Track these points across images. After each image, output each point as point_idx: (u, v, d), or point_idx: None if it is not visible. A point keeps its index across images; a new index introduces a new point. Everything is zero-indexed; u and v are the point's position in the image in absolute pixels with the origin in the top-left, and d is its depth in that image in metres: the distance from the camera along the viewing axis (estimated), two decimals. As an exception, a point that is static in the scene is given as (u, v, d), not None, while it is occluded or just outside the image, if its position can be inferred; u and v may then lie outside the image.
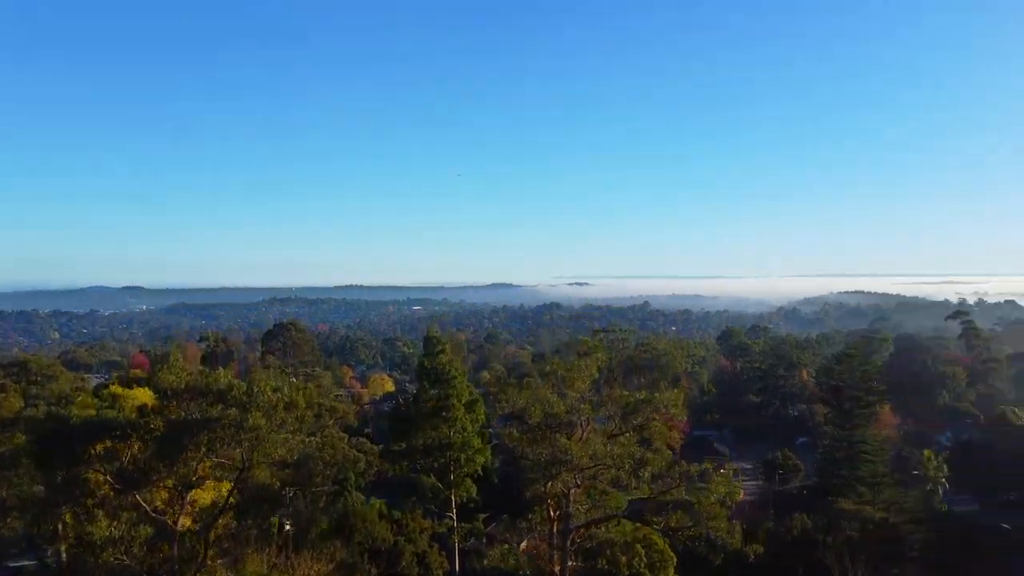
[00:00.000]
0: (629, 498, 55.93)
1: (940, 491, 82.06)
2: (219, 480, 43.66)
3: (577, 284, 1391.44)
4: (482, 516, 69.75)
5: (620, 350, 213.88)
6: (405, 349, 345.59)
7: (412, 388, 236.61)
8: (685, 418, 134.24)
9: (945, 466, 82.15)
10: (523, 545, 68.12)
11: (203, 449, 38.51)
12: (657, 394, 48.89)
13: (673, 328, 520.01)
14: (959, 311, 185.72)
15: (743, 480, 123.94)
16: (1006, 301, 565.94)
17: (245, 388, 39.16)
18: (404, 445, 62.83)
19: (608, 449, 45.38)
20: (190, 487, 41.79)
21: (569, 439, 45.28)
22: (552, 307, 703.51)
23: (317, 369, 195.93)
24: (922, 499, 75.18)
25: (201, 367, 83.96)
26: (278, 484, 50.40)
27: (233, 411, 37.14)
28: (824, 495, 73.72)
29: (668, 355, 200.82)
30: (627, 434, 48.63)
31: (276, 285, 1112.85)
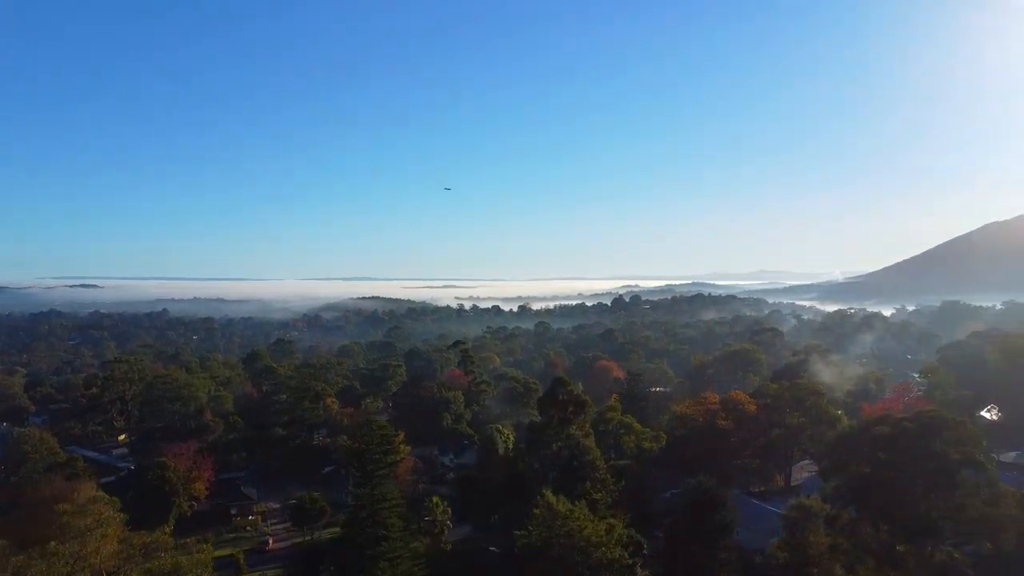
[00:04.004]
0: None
1: (446, 531, 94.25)
2: None
3: (83, 286, 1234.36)
4: None
5: (137, 381, 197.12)
6: None
7: None
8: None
9: (449, 509, 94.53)
10: None
11: None
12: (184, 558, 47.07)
13: (195, 337, 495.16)
14: (459, 342, 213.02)
15: (272, 525, 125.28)
16: (493, 306, 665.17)
17: None
18: None
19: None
20: None
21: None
22: (52, 315, 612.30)
23: None
24: (433, 546, 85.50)
25: None
26: None
27: None
28: (351, 549, 79.08)
29: (190, 386, 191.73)
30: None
31: None
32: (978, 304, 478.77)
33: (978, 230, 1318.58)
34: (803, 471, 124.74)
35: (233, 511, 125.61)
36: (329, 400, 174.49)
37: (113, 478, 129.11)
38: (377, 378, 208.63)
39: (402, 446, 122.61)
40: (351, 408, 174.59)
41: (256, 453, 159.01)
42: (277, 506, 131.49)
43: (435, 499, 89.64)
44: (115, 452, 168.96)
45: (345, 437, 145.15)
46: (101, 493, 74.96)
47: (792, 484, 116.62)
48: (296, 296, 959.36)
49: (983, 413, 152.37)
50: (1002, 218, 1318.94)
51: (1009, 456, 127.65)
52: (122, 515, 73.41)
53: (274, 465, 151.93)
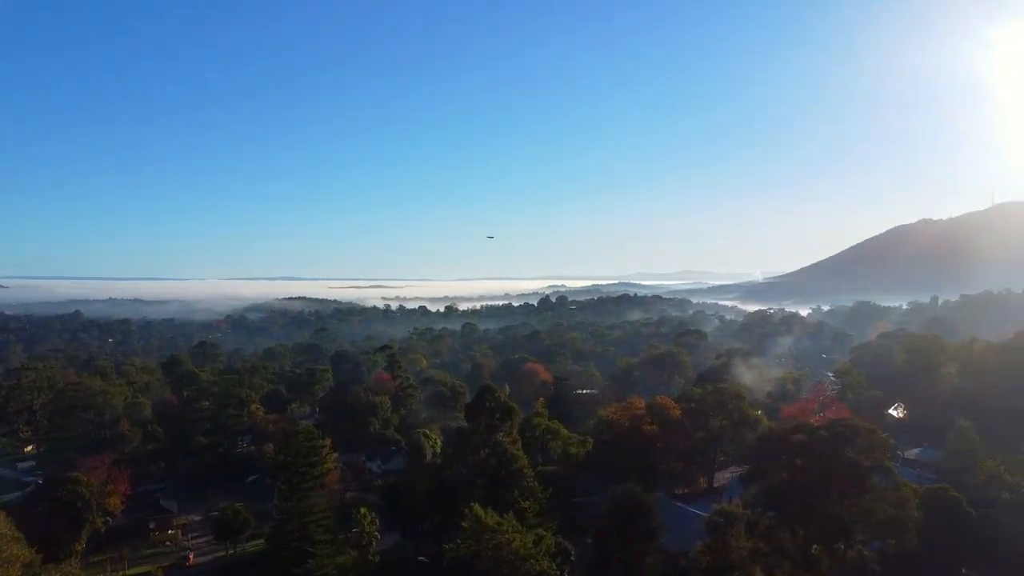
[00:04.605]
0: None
1: (374, 542, 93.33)
2: None
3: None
4: None
5: (46, 389, 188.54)
6: None
7: None
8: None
9: (377, 520, 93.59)
10: None
11: None
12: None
13: (111, 341, 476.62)
14: (386, 345, 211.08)
15: (193, 539, 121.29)
16: (420, 307, 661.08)
17: None
18: None
19: None
20: None
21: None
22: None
23: None
24: (361, 559, 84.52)
25: None
26: None
27: None
28: (276, 564, 77.69)
29: (105, 394, 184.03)
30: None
31: None
32: (887, 304, 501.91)
33: (886, 233, 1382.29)
34: (726, 472, 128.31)
35: (151, 525, 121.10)
36: (254, 406, 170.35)
37: (19, 494, 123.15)
38: (304, 383, 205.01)
39: (329, 455, 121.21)
40: (277, 414, 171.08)
41: (176, 463, 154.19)
42: (198, 519, 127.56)
43: (363, 510, 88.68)
44: (21, 466, 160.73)
45: (271, 445, 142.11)
46: (5, 529, 70.51)
47: (715, 485, 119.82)
48: (219, 296, 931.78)
49: (891, 411, 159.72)
50: (907, 222, 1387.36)
51: (912, 453, 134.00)
52: (28, 551, 69.64)
53: (195, 475, 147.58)
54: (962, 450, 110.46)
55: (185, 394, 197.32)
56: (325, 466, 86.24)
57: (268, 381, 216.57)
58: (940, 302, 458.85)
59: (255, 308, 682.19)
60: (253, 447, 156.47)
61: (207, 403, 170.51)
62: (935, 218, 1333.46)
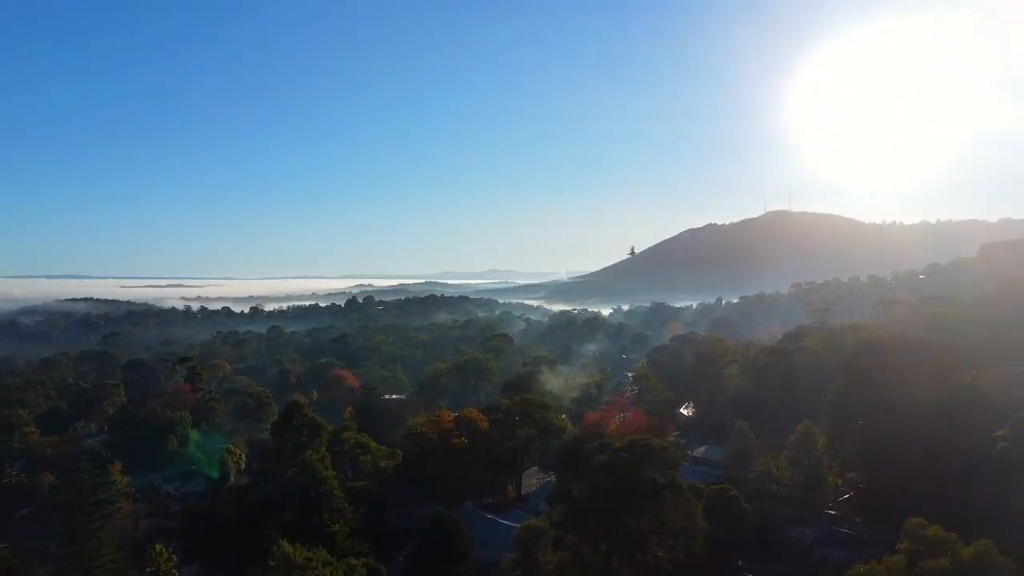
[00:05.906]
0: None
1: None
2: None
3: None
4: None
5: None
6: None
7: None
8: None
9: (175, 556, 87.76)
10: None
11: None
12: None
13: None
14: (185, 358, 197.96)
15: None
16: (223, 308, 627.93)
17: None
18: None
19: None
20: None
21: None
22: None
23: None
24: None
25: None
26: None
27: None
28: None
29: None
30: None
31: None
32: (679, 305, 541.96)
33: (678, 236, 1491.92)
34: (532, 478, 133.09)
35: None
36: (27, 428, 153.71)
37: None
38: (90, 397, 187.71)
39: (121, 480, 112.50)
40: (57, 435, 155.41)
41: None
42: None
43: (158, 547, 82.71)
44: None
45: (48, 474, 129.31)
46: None
47: (523, 493, 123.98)
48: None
49: (682, 410, 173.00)
50: (696, 225, 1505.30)
51: (700, 450, 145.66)
52: None
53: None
54: (739, 448, 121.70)
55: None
56: (115, 504, 79.59)
57: (46, 397, 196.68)
58: (723, 303, 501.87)
59: (29, 311, 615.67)
60: (26, 476, 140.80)
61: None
62: (719, 223, 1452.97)
